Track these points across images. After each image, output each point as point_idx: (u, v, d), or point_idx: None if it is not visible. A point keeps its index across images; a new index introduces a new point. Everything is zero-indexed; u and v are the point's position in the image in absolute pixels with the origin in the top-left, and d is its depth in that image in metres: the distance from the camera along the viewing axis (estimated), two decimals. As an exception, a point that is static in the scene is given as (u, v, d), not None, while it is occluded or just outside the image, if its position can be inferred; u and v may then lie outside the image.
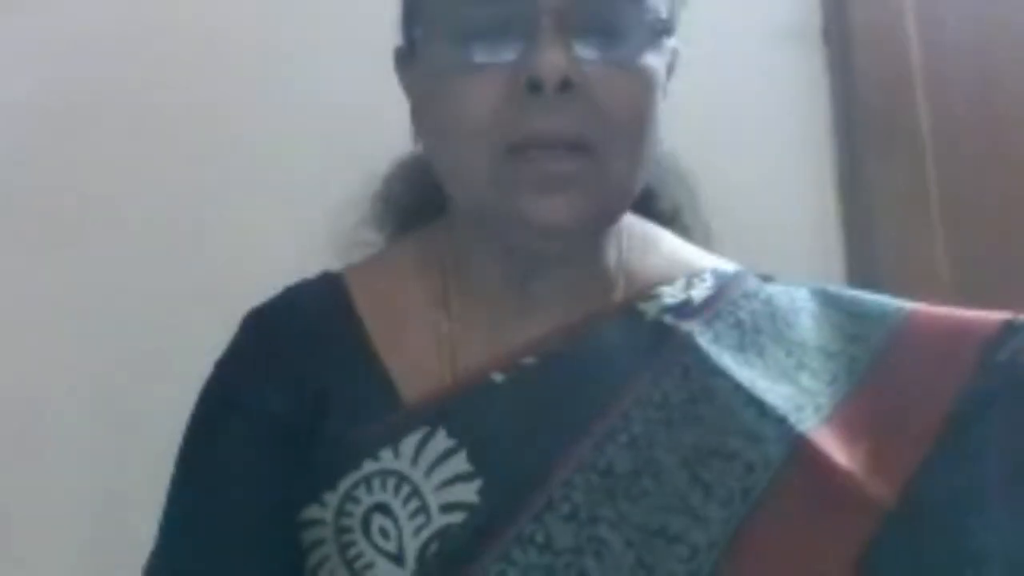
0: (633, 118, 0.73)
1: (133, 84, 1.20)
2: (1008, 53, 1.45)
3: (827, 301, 0.81)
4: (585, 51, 0.70)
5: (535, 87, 0.69)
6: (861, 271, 1.37)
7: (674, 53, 0.79)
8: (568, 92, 0.69)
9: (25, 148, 1.17)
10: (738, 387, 0.74)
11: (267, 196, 1.20)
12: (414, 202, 0.88)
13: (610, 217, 0.77)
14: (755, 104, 1.37)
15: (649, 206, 0.88)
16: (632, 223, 0.83)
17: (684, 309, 0.78)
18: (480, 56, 0.71)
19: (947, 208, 1.39)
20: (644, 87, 0.73)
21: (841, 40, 1.41)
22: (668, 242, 0.86)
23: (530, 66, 0.69)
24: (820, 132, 1.41)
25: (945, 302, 0.81)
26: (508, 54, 0.71)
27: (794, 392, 0.74)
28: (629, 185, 0.75)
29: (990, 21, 1.45)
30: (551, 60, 0.69)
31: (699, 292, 0.80)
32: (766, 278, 0.84)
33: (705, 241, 0.90)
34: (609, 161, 0.72)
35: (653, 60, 0.74)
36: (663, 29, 0.74)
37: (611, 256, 0.80)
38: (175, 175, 1.20)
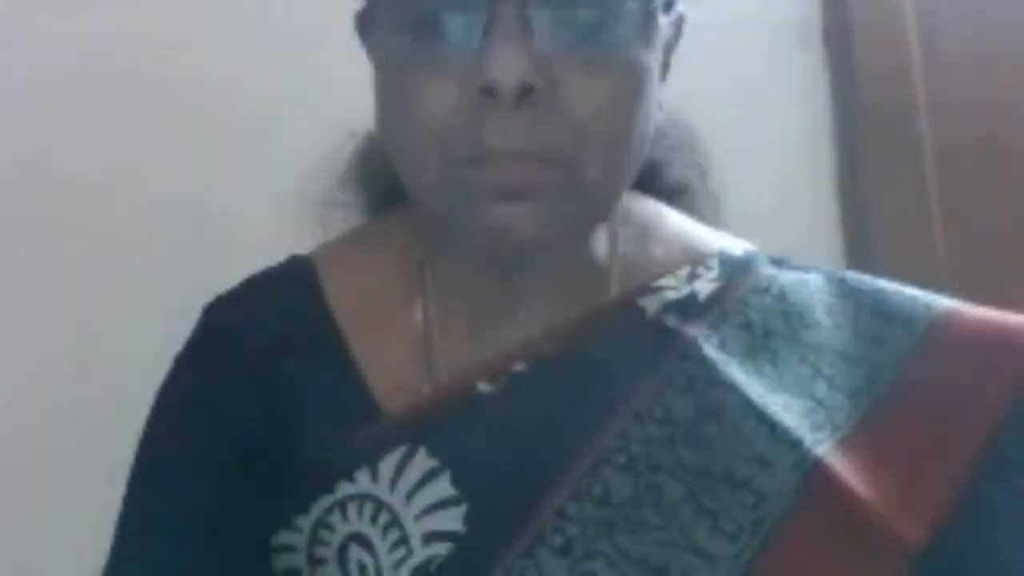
0: (613, 125, 0.59)
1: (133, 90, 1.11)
2: (1008, 53, 1.38)
3: (847, 293, 0.68)
4: (554, 47, 0.56)
5: (490, 94, 0.56)
6: (861, 270, 1.27)
7: (677, 23, 0.66)
8: (530, 99, 0.55)
9: (23, 158, 1.08)
10: (748, 404, 0.62)
11: (263, 199, 1.09)
12: (389, 179, 0.73)
13: (585, 225, 0.64)
14: (755, 104, 1.28)
15: (653, 181, 0.74)
16: (629, 206, 0.70)
17: (688, 307, 0.66)
18: (435, 49, 0.57)
19: (947, 208, 1.32)
20: (628, 87, 0.59)
21: (841, 40, 1.34)
22: (671, 223, 0.72)
23: (485, 68, 0.55)
24: (820, 132, 1.34)
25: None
26: (466, 49, 0.56)
27: (810, 407, 0.63)
28: (610, 191, 0.62)
29: (990, 21, 1.38)
30: (507, 62, 0.55)
31: (704, 285, 0.67)
32: (778, 262, 0.71)
33: (714, 217, 0.76)
34: (583, 171, 0.58)
35: (641, 52, 0.59)
36: (656, 9, 0.60)
37: (603, 246, 0.68)
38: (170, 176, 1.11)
